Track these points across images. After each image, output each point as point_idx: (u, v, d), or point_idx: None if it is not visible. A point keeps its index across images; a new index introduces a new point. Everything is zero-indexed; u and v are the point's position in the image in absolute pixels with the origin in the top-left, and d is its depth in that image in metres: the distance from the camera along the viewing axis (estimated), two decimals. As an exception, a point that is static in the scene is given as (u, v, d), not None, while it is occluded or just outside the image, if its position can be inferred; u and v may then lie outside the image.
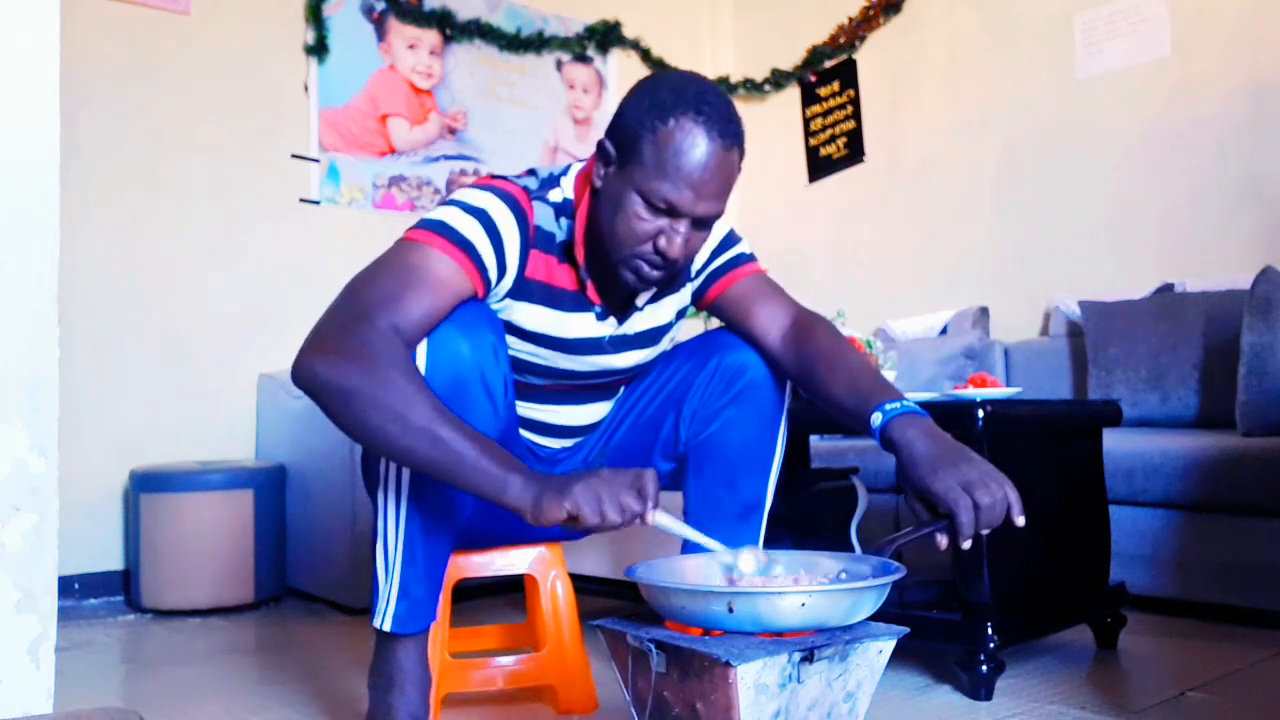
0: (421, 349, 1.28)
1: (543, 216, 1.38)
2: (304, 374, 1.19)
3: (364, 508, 2.65)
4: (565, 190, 1.40)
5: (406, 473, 1.32)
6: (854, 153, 4.04)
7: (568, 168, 1.44)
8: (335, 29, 3.44)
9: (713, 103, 1.28)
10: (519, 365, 1.46)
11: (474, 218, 1.31)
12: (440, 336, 1.28)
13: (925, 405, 1.84)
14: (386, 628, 1.36)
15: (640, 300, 1.44)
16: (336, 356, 1.17)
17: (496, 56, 3.86)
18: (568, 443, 1.59)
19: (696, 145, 1.26)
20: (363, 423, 1.16)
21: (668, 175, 1.26)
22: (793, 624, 1.14)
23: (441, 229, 1.29)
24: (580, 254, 1.39)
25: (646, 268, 1.32)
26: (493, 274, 1.33)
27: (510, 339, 1.42)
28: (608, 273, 1.37)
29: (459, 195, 1.35)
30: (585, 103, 4.12)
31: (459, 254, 1.28)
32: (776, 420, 1.51)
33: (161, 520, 2.76)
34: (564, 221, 1.39)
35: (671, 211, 1.28)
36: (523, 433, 1.54)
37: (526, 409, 1.52)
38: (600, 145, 1.33)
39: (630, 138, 1.28)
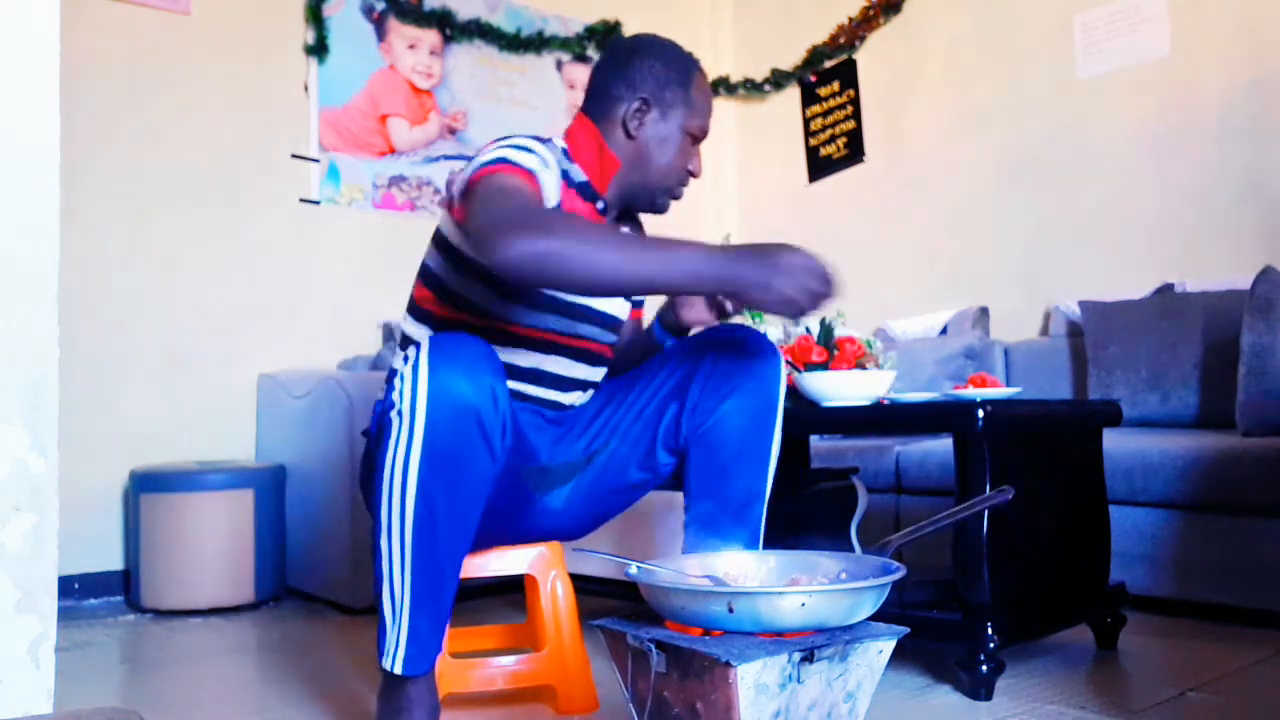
0: (423, 388, 1.31)
1: (560, 159, 1.55)
2: (518, 253, 1.20)
3: (364, 508, 2.64)
4: (559, 143, 1.58)
5: (409, 519, 1.34)
6: (854, 153, 4.04)
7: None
8: (335, 29, 3.44)
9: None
10: (543, 304, 1.53)
11: (528, 154, 1.42)
12: (441, 377, 1.31)
13: (925, 406, 1.84)
14: (398, 671, 1.38)
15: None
16: (536, 233, 1.22)
17: (496, 56, 3.86)
18: (573, 396, 1.64)
19: (709, 86, 1.64)
20: (593, 264, 1.21)
21: (703, 112, 1.60)
22: (793, 624, 1.14)
23: (506, 163, 1.39)
24: (604, 191, 1.58)
25: (680, 189, 1.62)
26: (550, 200, 1.44)
27: None
28: (636, 204, 1.62)
29: (502, 144, 1.43)
30: (585, 103, 4.12)
31: (530, 177, 1.39)
32: (773, 413, 1.56)
33: (161, 520, 2.76)
34: (574, 165, 1.57)
35: (699, 139, 1.61)
36: (534, 389, 1.59)
37: (539, 360, 1.57)
38: (640, 101, 1.55)
39: (673, 88, 1.57)
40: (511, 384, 1.54)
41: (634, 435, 1.61)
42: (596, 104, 1.58)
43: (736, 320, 1.84)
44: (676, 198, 1.63)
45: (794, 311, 1.24)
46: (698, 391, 1.56)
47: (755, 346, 1.55)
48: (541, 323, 1.55)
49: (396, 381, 1.34)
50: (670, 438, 1.59)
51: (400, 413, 1.32)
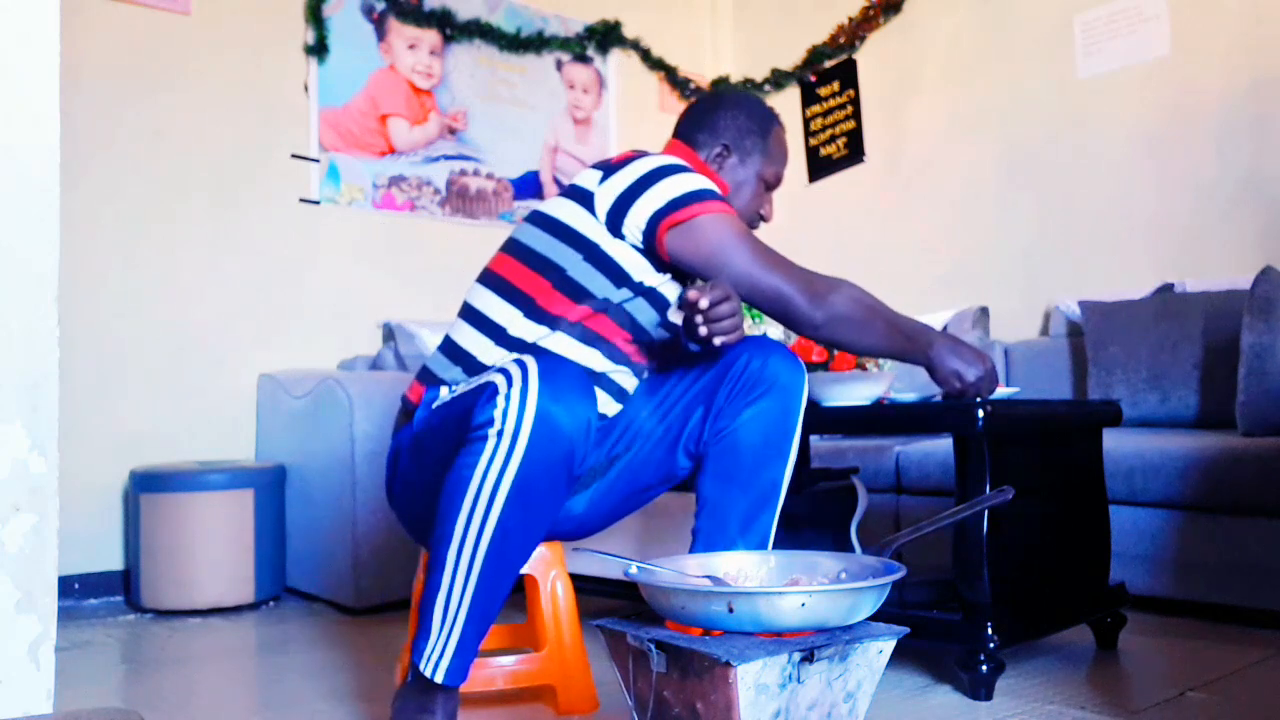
0: (529, 416, 1.32)
1: None
2: (835, 314, 1.53)
3: (364, 508, 2.65)
4: None
5: (486, 538, 1.35)
6: (854, 153, 4.04)
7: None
8: (335, 29, 3.44)
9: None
10: (654, 305, 1.61)
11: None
12: (548, 405, 1.33)
13: (925, 406, 1.84)
14: (439, 680, 1.39)
15: None
16: (834, 293, 1.54)
17: (496, 56, 3.86)
18: (617, 408, 1.67)
19: (786, 140, 1.80)
20: (875, 322, 1.55)
21: (780, 162, 1.77)
22: (793, 624, 1.14)
23: (728, 203, 1.60)
24: None
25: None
26: None
27: (666, 275, 1.61)
28: None
29: (692, 172, 1.58)
30: (585, 103, 4.12)
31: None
32: (792, 424, 1.58)
33: (161, 520, 2.76)
34: None
35: (773, 186, 1.77)
36: (599, 394, 1.62)
37: (609, 367, 1.61)
38: (721, 147, 1.72)
39: (752, 138, 1.73)
40: None
41: (656, 439, 1.63)
42: (687, 144, 1.74)
43: (749, 327, 1.89)
44: None
45: (958, 393, 1.62)
46: (723, 397, 1.58)
47: (782, 356, 1.58)
48: (636, 329, 1.61)
49: (499, 400, 1.33)
50: (692, 442, 1.61)
51: (500, 433, 1.32)
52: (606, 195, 1.55)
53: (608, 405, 1.65)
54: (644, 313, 1.61)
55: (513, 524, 1.35)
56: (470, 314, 1.62)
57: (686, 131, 1.75)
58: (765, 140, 1.74)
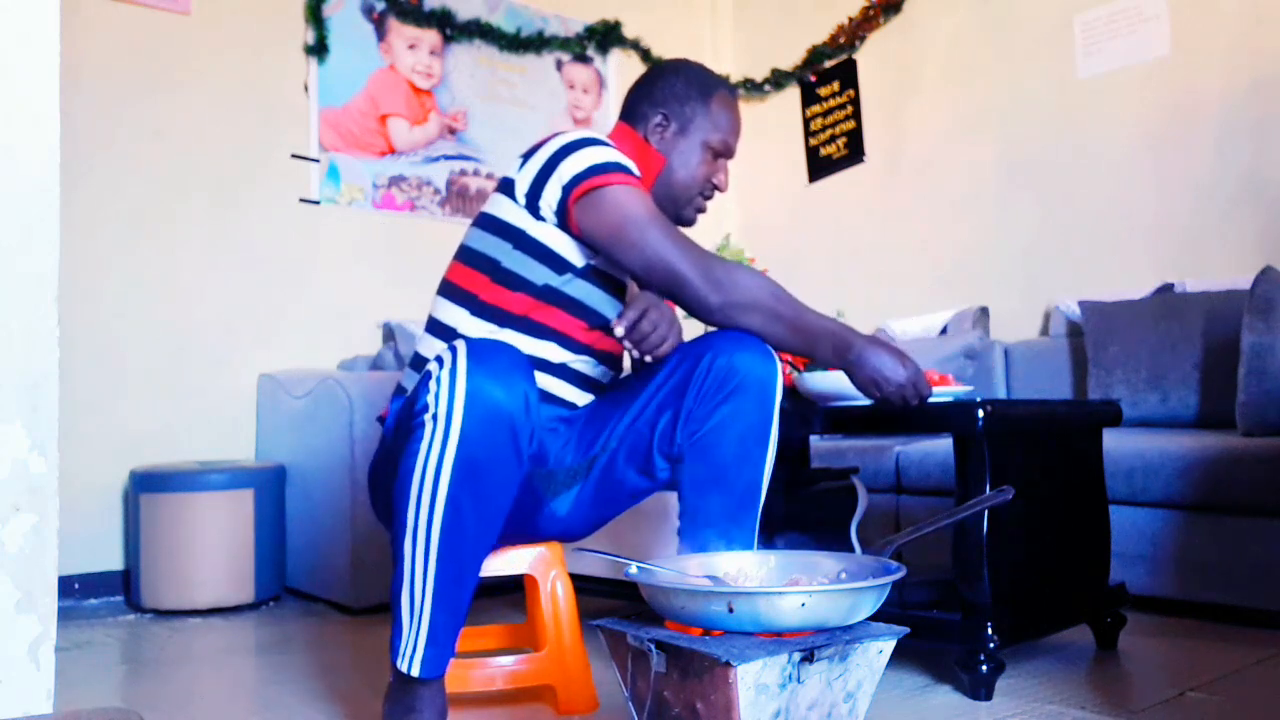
0: (460, 392, 1.32)
1: None
2: (732, 300, 1.49)
3: (364, 508, 2.64)
4: None
5: (437, 523, 1.35)
6: (854, 153, 4.05)
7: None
8: (335, 29, 3.44)
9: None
10: (601, 285, 1.59)
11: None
12: (478, 382, 1.32)
13: (925, 406, 1.84)
14: (415, 673, 1.38)
15: None
16: (733, 280, 1.49)
17: (496, 56, 3.86)
18: (587, 398, 1.67)
19: (736, 107, 1.73)
20: (781, 314, 1.50)
21: (726, 129, 1.69)
22: (793, 624, 1.14)
23: (636, 176, 1.56)
24: None
25: (703, 201, 1.73)
26: None
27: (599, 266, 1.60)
28: (664, 214, 1.59)
29: (606, 147, 1.56)
30: (585, 103, 4.12)
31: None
32: (768, 421, 1.53)
33: (161, 520, 2.76)
34: None
35: (723, 155, 1.71)
36: (558, 386, 1.62)
37: (568, 357, 1.61)
38: (661, 116, 1.67)
39: (692, 104, 1.67)
40: (538, 377, 1.57)
41: (630, 442, 1.60)
42: (629, 121, 1.70)
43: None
44: (701, 210, 1.74)
45: (879, 400, 1.51)
46: (692, 398, 1.53)
47: (751, 351, 1.51)
48: (589, 315, 1.59)
49: (431, 384, 1.34)
50: (665, 444, 1.57)
51: (435, 415, 1.32)
52: (525, 178, 1.56)
53: (574, 395, 1.64)
54: (593, 295, 1.59)
55: (463, 505, 1.34)
56: (430, 324, 1.64)
57: (628, 109, 1.72)
58: (707, 105, 1.68)
